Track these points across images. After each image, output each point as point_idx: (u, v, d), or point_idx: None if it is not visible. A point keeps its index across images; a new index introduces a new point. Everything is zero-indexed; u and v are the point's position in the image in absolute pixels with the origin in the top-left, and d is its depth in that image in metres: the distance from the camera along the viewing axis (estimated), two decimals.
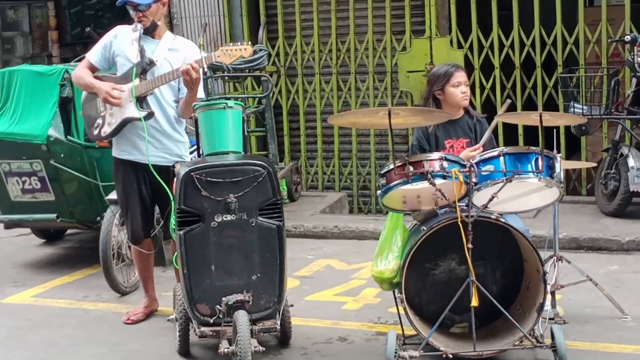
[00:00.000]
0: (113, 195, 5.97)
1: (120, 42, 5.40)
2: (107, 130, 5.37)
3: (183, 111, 5.36)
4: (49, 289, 6.67)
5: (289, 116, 9.88)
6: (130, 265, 6.34)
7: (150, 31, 5.36)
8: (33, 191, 6.81)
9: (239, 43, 5.22)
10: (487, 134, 4.98)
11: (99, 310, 6.11)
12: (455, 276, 4.85)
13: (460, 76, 5.13)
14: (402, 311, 4.70)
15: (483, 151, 4.82)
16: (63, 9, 12.40)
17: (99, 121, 5.41)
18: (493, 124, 5.00)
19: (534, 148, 4.62)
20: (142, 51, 5.27)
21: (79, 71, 5.49)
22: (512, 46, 8.81)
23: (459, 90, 5.10)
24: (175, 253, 4.84)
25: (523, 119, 5.36)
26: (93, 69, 5.47)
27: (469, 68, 8.61)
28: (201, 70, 5.33)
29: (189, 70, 5.06)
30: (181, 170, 4.67)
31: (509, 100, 5.07)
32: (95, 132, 5.45)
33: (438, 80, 5.14)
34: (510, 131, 8.69)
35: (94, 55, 5.49)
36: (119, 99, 5.24)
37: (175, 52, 5.39)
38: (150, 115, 5.28)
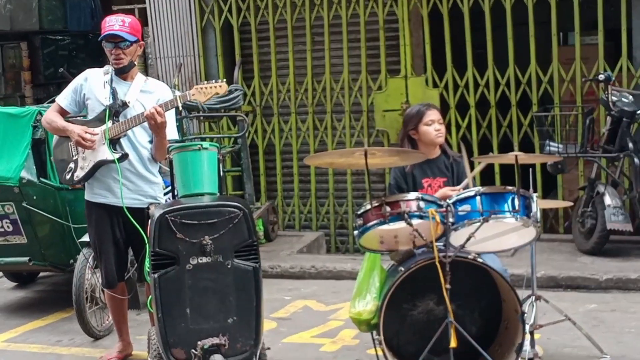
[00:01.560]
0: (86, 238, 5.89)
1: (91, 84, 5.35)
2: (79, 174, 5.31)
3: (155, 155, 5.32)
4: (21, 334, 6.56)
5: (265, 155, 9.86)
6: (104, 309, 6.25)
7: (126, 71, 5.31)
8: (5, 234, 6.72)
9: (213, 81, 5.20)
10: (465, 182, 4.98)
11: (72, 355, 6.01)
12: (434, 317, 4.81)
13: (433, 114, 5.15)
14: (380, 353, 4.67)
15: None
16: (36, 49, 12.36)
17: (72, 165, 5.35)
18: (471, 175, 5.02)
19: (510, 188, 4.63)
20: (114, 93, 5.23)
21: (50, 115, 5.42)
22: (487, 85, 8.86)
23: (432, 128, 5.12)
24: (150, 296, 4.77)
25: (499, 158, 5.38)
26: (63, 112, 5.41)
27: (444, 107, 8.65)
28: (174, 110, 5.30)
29: (153, 114, 5.02)
30: (155, 213, 4.61)
31: (484, 164, 5.13)
32: (68, 176, 5.37)
33: (411, 120, 5.18)
34: (486, 169, 8.68)
35: (63, 99, 5.43)
36: (92, 141, 5.19)
37: (148, 93, 5.35)
38: (124, 157, 5.22)
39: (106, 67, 5.30)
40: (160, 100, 5.25)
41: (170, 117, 5.33)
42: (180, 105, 5.32)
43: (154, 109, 5.03)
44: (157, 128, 5.09)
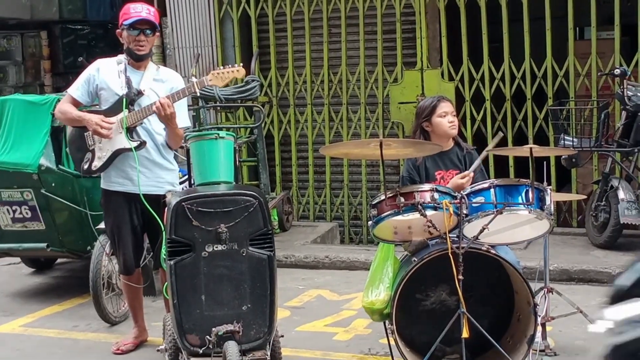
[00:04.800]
0: (103, 225, 5.95)
1: (104, 75, 5.38)
2: (97, 164, 5.35)
3: (169, 143, 5.37)
4: (38, 319, 6.63)
5: (281, 146, 9.90)
6: (120, 295, 6.32)
7: (144, 58, 5.35)
8: (23, 220, 6.79)
9: (229, 65, 5.22)
10: (477, 162, 5.01)
11: (89, 340, 6.08)
12: (446, 307, 4.83)
13: (446, 106, 5.16)
14: (392, 342, 4.69)
15: (473, 181, 4.85)
16: (56, 38, 12.45)
17: (88, 155, 5.38)
18: (483, 154, 5.04)
19: (525, 180, 4.63)
20: (128, 82, 5.26)
21: (63, 106, 5.43)
22: (502, 78, 8.87)
23: (445, 120, 5.12)
24: (166, 283, 4.82)
25: (514, 150, 5.39)
26: (76, 103, 5.43)
27: (459, 100, 8.67)
28: (185, 98, 5.33)
29: (160, 106, 5.06)
30: (172, 200, 4.65)
31: (500, 134, 5.10)
32: (86, 166, 5.41)
33: (424, 112, 5.17)
34: (501, 162, 8.73)
35: (75, 89, 5.43)
36: (110, 130, 5.23)
37: (161, 82, 5.39)
38: (141, 145, 5.27)
39: (119, 57, 5.32)
40: (173, 88, 5.28)
41: (182, 105, 5.37)
42: (198, 91, 5.34)
43: (158, 102, 5.06)
44: (166, 119, 5.13)
